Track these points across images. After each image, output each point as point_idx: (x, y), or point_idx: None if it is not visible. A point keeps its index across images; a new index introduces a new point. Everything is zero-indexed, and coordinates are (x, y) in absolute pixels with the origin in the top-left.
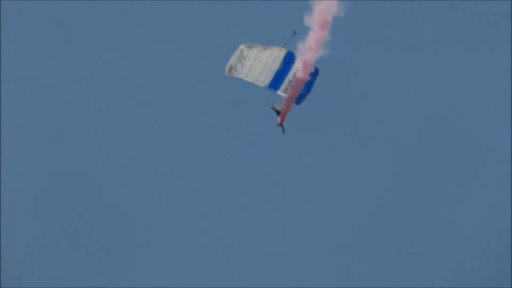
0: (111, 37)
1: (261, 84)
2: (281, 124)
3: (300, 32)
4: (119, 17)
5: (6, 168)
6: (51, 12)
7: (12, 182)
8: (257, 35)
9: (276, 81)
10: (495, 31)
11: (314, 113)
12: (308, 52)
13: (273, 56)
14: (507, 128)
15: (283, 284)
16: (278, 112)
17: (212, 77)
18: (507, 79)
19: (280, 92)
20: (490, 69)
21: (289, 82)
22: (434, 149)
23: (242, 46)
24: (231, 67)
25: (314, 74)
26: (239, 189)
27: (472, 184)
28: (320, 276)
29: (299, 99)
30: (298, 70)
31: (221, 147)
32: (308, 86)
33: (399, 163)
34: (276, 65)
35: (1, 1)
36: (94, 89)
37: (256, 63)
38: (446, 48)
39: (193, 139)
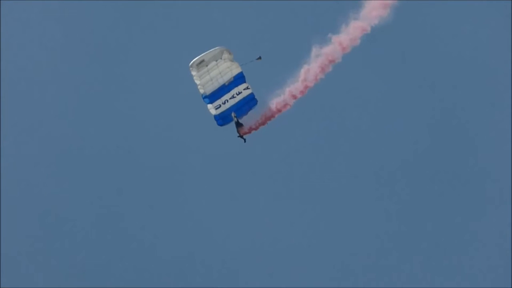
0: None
1: (201, 90)
2: (241, 136)
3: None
4: (119, 17)
5: (6, 168)
6: (51, 13)
7: (12, 182)
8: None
9: (215, 95)
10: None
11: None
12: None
13: (229, 69)
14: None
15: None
16: (238, 124)
17: None
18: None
19: (210, 106)
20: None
21: (225, 101)
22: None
23: (223, 48)
24: (202, 61)
25: (251, 105)
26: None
27: (473, 183)
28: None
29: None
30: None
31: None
32: (242, 110)
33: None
34: (225, 79)
35: (1, 1)
36: (96, 89)
37: (214, 69)
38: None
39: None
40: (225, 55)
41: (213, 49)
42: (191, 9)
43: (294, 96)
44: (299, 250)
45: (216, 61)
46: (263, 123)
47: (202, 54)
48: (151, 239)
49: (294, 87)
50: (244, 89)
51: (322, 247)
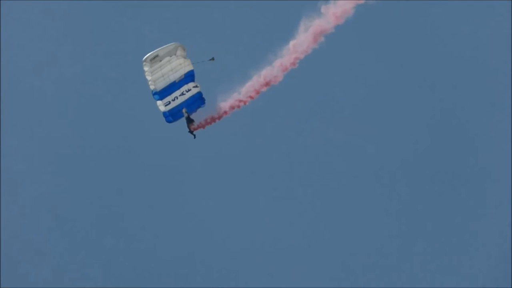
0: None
1: (151, 86)
2: (191, 132)
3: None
4: (119, 17)
5: (6, 168)
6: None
7: (13, 182)
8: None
9: (165, 91)
10: None
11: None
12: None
13: (180, 66)
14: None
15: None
16: (189, 119)
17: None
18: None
19: (160, 103)
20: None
21: (174, 98)
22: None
23: (178, 44)
24: (156, 56)
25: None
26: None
27: (473, 183)
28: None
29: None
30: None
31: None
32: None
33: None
34: (176, 76)
35: (1, 1)
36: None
37: (166, 65)
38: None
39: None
40: (179, 52)
41: (168, 44)
42: (192, 8)
43: (284, 68)
44: (299, 250)
45: (170, 56)
46: (216, 119)
47: (157, 49)
48: (151, 239)
49: (283, 60)
50: (193, 87)
51: (322, 247)
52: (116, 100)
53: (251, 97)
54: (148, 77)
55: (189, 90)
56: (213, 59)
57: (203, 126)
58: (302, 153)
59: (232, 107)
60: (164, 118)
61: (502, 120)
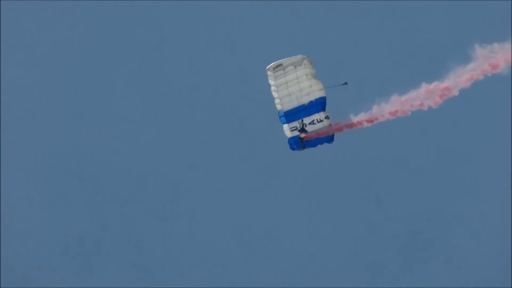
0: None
1: (278, 106)
2: (302, 138)
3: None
4: (118, 17)
5: (6, 167)
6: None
7: (12, 182)
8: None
9: (292, 115)
10: None
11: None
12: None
13: (311, 89)
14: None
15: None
16: (303, 129)
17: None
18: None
19: (286, 127)
20: None
21: (300, 124)
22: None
23: (304, 56)
24: (279, 65)
25: (328, 140)
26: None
27: (473, 182)
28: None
29: (310, 144)
30: (321, 122)
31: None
32: (317, 141)
33: None
34: (305, 99)
35: (1, 1)
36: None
37: (294, 81)
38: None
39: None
40: (307, 65)
41: (293, 57)
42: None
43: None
44: (299, 250)
45: (295, 67)
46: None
47: (281, 60)
48: (151, 240)
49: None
50: (325, 118)
51: (322, 246)
52: (117, 99)
53: (391, 114)
54: (275, 94)
55: (320, 121)
56: (346, 83)
57: (319, 135)
58: (301, 153)
59: (368, 121)
60: (288, 145)
61: (502, 120)
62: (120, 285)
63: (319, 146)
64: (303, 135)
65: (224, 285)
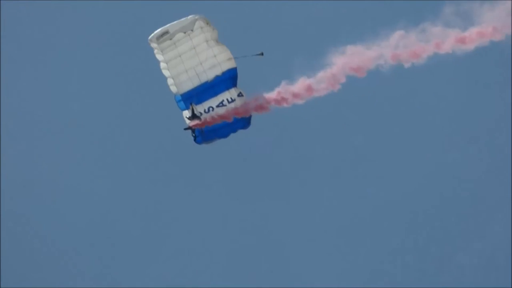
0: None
1: (172, 88)
2: (190, 128)
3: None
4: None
5: (6, 167)
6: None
7: (13, 181)
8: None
9: (194, 96)
10: None
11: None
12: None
13: (215, 59)
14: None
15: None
16: (194, 115)
17: None
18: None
19: (186, 113)
20: None
21: (209, 108)
22: None
23: (197, 17)
24: (165, 33)
25: (244, 124)
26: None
27: (474, 181)
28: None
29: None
30: (232, 102)
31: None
32: (228, 129)
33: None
34: (210, 74)
35: (1, 1)
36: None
37: (190, 53)
38: None
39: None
40: (203, 27)
41: (183, 19)
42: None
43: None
44: (299, 250)
45: (184, 33)
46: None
47: (166, 26)
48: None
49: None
50: (237, 96)
51: (322, 246)
52: (117, 99)
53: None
54: (166, 73)
55: (232, 100)
56: (262, 54)
57: (202, 124)
58: (301, 153)
59: (276, 101)
60: (193, 138)
61: (502, 120)
62: (120, 284)
63: (240, 132)
64: (192, 123)
65: (224, 285)
